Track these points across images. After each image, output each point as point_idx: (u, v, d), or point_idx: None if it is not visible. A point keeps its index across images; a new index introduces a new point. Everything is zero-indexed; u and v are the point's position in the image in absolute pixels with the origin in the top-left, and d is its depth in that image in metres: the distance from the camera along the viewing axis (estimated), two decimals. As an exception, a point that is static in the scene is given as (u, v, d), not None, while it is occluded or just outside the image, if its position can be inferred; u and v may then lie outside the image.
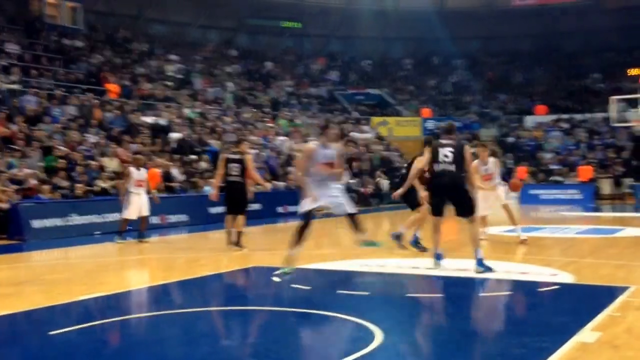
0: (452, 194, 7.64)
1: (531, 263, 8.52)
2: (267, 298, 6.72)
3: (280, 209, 18.34)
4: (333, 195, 7.32)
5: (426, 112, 30.09)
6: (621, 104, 24.92)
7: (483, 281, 7.38)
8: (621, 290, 6.51)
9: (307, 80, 31.51)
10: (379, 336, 4.71)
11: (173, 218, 15.27)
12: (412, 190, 9.41)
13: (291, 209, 18.57)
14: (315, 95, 30.51)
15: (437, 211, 7.80)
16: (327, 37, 34.69)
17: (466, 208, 7.68)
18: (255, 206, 17.66)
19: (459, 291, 7.00)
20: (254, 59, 31.29)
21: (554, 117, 29.43)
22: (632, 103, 24.54)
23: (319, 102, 30.17)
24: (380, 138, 28.16)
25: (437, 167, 7.67)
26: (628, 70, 26.27)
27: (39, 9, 24.79)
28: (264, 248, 11.32)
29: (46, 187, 13.83)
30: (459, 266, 8.03)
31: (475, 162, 10.02)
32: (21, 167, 14.29)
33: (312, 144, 7.59)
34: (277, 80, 29.98)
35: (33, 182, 13.84)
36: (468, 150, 7.84)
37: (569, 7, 32.06)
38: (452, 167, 7.57)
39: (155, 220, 14.03)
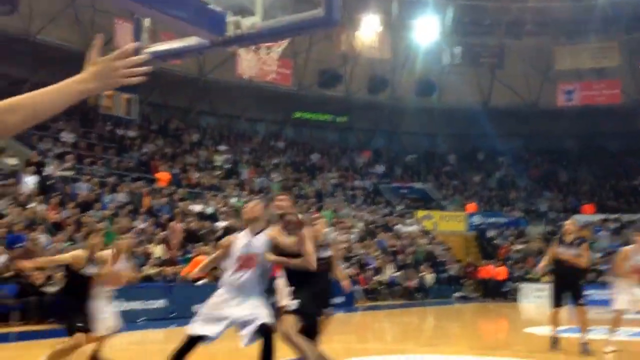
0: None
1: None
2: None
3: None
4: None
5: (471, 207, 30.00)
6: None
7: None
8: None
9: (352, 172, 31.98)
10: None
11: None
12: None
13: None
14: (360, 188, 30.85)
15: None
16: (372, 132, 35.42)
17: None
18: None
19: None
20: (301, 150, 32.05)
21: (601, 216, 28.98)
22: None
23: (364, 194, 30.44)
24: (425, 232, 28.06)
25: None
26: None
27: (95, 100, 26.10)
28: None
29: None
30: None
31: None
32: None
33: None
34: (322, 172, 30.52)
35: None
36: None
37: (614, 107, 32.20)
38: None
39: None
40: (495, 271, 24.90)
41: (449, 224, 29.14)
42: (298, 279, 5.90)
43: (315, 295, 6.04)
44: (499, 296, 24.04)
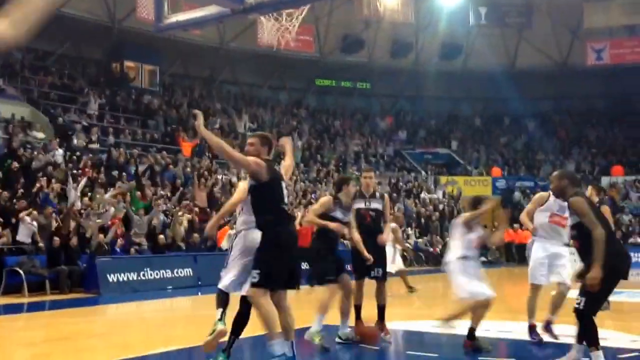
0: None
1: (610, 329, 8.16)
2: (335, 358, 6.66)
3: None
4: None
5: (496, 171, 29.70)
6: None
7: (559, 346, 7.10)
8: None
9: (374, 139, 31.80)
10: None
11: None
12: None
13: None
14: (383, 154, 30.69)
15: None
16: (395, 97, 35.08)
17: None
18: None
19: (533, 355, 6.76)
20: (323, 117, 31.91)
21: (631, 177, 28.51)
22: None
23: (387, 160, 30.30)
24: (450, 196, 27.90)
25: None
26: None
27: (118, 71, 26.24)
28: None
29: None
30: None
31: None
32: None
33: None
34: (344, 138, 30.39)
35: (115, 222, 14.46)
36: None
37: (646, 66, 31.38)
38: None
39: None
40: (520, 235, 24.70)
41: (474, 188, 28.89)
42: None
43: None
44: (523, 260, 23.88)
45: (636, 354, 6.56)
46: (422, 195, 27.09)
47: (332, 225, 6.65)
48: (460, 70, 32.85)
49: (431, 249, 22.35)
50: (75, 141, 19.51)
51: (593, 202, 6.19)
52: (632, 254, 19.84)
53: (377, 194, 7.23)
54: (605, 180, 28.95)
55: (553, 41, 32.47)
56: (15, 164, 15.38)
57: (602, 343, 7.19)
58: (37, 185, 14.81)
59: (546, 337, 7.06)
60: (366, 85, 33.98)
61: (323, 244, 6.89)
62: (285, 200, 5.30)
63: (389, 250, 9.23)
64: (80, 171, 16.74)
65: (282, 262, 5.08)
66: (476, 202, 6.83)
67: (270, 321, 5.00)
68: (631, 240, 23.77)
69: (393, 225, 11.06)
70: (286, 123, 29.26)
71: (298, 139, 27.71)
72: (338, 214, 6.79)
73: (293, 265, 5.29)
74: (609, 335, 7.67)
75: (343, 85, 33.66)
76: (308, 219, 7.59)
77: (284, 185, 5.30)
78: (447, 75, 32.65)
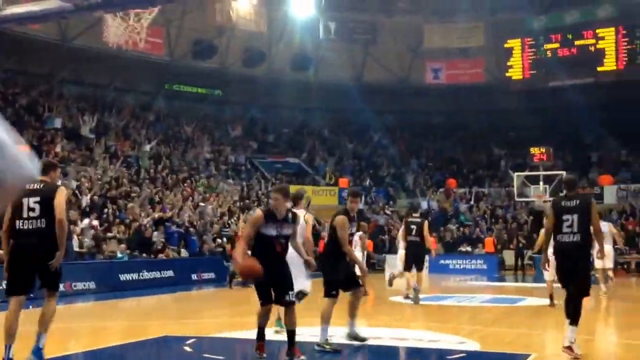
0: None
1: (440, 331, 8.73)
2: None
3: (194, 276, 18.00)
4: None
5: (343, 181, 30.70)
6: (522, 180, 26.42)
7: (389, 350, 7.49)
8: (523, 357, 6.78)
9: (226, 146, 31.58)
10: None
11: (79, 285, 14.65)
12: None
13: (205, 276, 18.31)
14: (233, 162, 30.57)
15: None
16: (247, 105, 35.11)
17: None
18: (168, 273, 17.34)
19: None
20: (173, 123, 31.17)
21: (462, 190, 30.84)
22: (532, 180, 26.06)
23: (238, 168, 30.23)
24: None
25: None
26: (530, 149, 28.10)
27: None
28: (176, 317, 11.04)
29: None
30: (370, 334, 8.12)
31: None
32: None
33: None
34: (195, 145, 29.91)
35: None
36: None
37: (477, 87, 34.04)
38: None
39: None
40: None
41: (322, 198, 29.67)
42: None
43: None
44: (369, 267, 24.85)
45: (463, 354, 7.06)
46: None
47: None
48: (312, 82, 33.68)
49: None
50: None
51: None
52: (459, 262, 21.28)
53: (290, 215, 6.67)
54: (440, 192, 31.01)
55: (396, 59, 34.33)
56: None
57: (432, 345, 7.71)
58: None
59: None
60: (218, 92, 33.73)
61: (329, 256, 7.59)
62: (24, 214, 5.87)
63: (358, 255, 11.20)
64: None
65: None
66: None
67: None
68: (460, 248, 25.65)
69: (359, 233, 13.15)
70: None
71: (146, 143, 26.87)
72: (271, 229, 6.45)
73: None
74: (440, 338, 8.22)
75: (194, 90, 33.15)
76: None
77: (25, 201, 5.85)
78: (299, 86, 33.34)
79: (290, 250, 6.66)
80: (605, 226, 12.45)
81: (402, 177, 33.28)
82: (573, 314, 6.65)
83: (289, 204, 6.60)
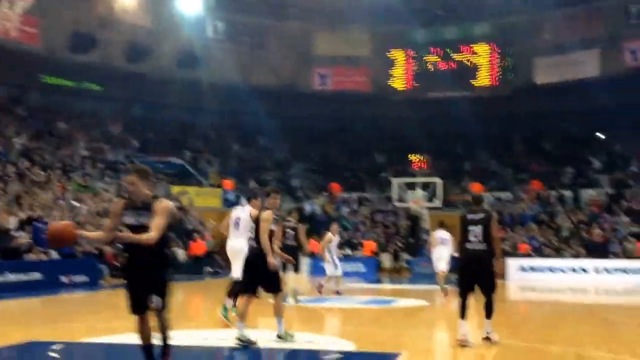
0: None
1: (317, 332, 8.79)
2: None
3: (64, 279, 17.07)
4: None
5: (227, 183, 30.32)
6: (401, 185, 27.39)
7: (267, 352, 7.45)
8: (394, 356, 6.95)
9: (105, 144, 30.27)
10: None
11: None
12: None
13: (77, 278, 17.45)
14: (112, 161, 29.35)
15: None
16: (130, 102, 33.85)
17: None
18: (35, 275, 16.37)
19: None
20: (46, 118, 29.46)
21: (345, 194, 31.46)
22: (410, 185, 27.10)
23: (116, 167, 29.05)
24: (179, 208, 27.66)
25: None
26: (409, 156, 29.20)
27: None
28: (43, 321, 10.39)
29: None
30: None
31: None
32: None
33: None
34: (71, 142, 28.43)
35: None
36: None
37: (362, 95, 34.91)
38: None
39: None
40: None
41: (205, 199, 29.18)
42: None
43: None
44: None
45: (338, 355, 7.13)
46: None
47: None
48: (198, 81, 33.01)
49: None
50: None
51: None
52: (340, 265, 21.41)
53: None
54: (324, 195, 31.45)
55: (284, 63, 34.50)
56: None
57: (308, 346, 7.74)
58: None
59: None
60: (98, 87, 32.27)
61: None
62: None
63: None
64: None
65: None
66: None
67: None
68: (340, 251, 26.09)
69: (329, 234, 14.44)
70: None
71: (16, 139, 25.24)
72: None
73: None
74: (316, 339, 8.27)
75: (71, 84, 31.48)
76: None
77: None
78: (186, 85, 32.57)
79: (234, 242, 8.37)
80: (447, 234, 14.42)
81: (287, 180, 33.41)
82: (489, 310, 7.73)
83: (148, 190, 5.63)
